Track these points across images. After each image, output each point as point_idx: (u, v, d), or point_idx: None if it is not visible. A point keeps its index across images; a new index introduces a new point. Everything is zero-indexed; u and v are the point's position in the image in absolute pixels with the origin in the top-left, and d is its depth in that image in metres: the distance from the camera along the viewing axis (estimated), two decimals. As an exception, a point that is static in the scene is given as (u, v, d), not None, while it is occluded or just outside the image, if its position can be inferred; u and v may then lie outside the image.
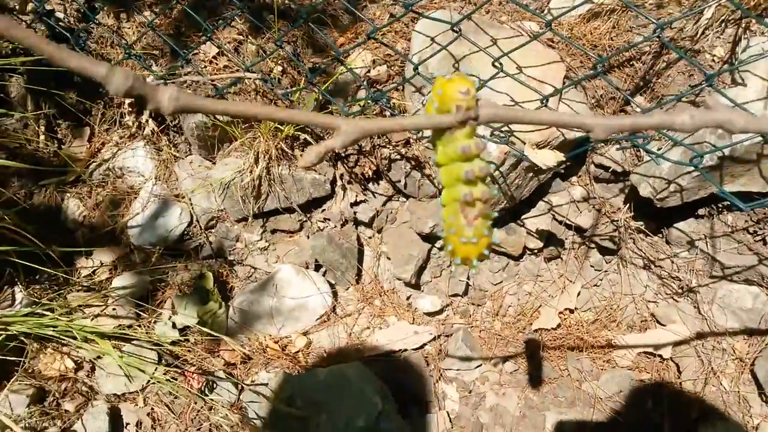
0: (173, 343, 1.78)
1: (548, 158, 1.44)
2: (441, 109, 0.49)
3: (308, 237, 1.91)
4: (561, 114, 0.49)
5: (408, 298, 1.88)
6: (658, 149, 1.59)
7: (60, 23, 1.95)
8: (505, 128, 1.48)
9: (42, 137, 2.00)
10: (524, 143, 1.52)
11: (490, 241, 0.53)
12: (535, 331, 1.77)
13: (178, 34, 1.93)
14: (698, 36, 1.63)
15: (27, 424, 1.60)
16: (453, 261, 0.54)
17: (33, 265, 1.76)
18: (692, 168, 1.45)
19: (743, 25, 1.59)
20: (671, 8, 1.71)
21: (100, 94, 2.03)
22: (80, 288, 1.89)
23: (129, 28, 2.00)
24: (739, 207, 1.37)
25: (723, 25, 1.55)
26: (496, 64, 1.40)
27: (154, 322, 1.81)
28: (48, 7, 1.96)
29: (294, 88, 1.73)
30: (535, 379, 1.71)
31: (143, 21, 1.91)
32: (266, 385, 1.63)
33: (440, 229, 0.56)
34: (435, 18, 1.51)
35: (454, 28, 1.43)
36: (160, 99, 0.41)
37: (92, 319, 1.83)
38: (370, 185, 1.91)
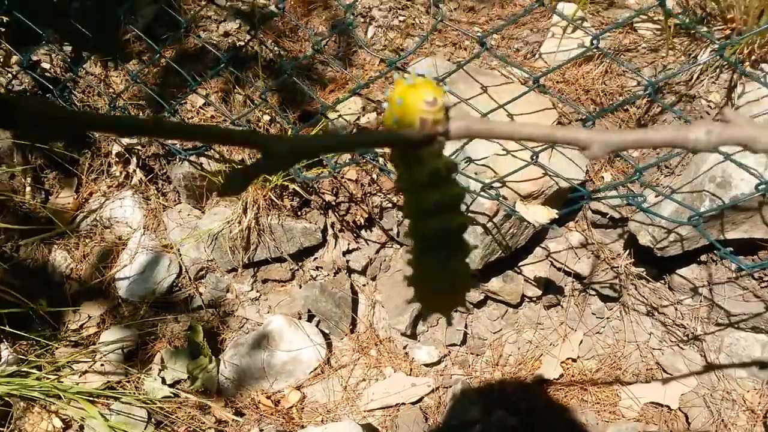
0: (164, 398, 1.73)
1: (540, 215, 1.39)
2: (402, 122, 0.40)
3: (300, 286, 1.86)
4: (550, 128, 0.40)
5: (405, 348, 1.82)
6: (656, 196, 1.54)
7: (46, 74, 1.92)
8: (497, 183, 1.43)
9: (28, 189, 1.97)
10: (518, 194, 1.47)
11: (469, 287, 0.45)
12: (537, 381, 1.71)
13: (165, 83, 1.90)
14: (693, 81, 1.59)
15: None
16: (423, 312, 0.47)
17: (19, 325, 1.73)
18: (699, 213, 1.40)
19: (738, 71, 1.54)
20: (664, 52, 1.67)
21: (88, 144, 1.99)
22: (68, 343, 1.84)
23: (117, 77, 1.97)
24: (741, 267, 1.32)
25: (718, 70, 1.51)
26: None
27: (144, 377, 1.76)
28: (34, 58, 1.94)
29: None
30: (538, 433, 1.65)
31: (131, 69, 1.88)
32: (257, 447, 1.57)
33: (407, 277, 0.47)
34: (418, 74, 1.46)
35: (440, 84, 1.38)
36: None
37: (80, 376, 1.78)
38: (363, 232, 1.87)
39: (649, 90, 1.19)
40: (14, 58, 1.87)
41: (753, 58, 1.50)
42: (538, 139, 0.42)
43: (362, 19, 1.87)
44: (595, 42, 1.22)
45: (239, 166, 0.36)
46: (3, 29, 1.84)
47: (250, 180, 0.37)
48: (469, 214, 1.54)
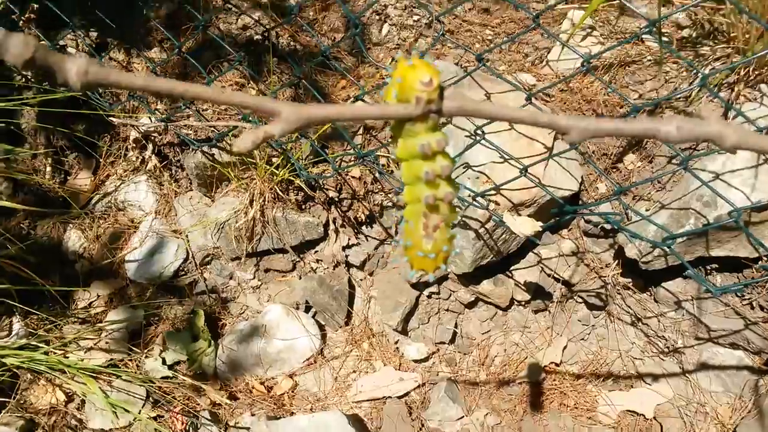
0: (163, 378, 1.81)
1: (525, 227, 1.45)
2: (400, 98, 0.45)
3: (300, 278, 1.93)
4: (533, 112, 0.46)
5: (396, 343, 1.89)
6: (646, 210, 1.59)
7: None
8: (491, 192, 1.49)
9: (48, 169, 2.06)
10: (511, 202, 1.53)
11: (448, 255, 0.51)
12: (520, 383, 1.77)
13: (184, 74, 1.98)
14: (692, 97, 1.64)
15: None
16: (408, 270, 0.53)
17: (32, 301, 1.82)
18: (679, 231, 1.45)
19: (737, 90, 1.59)
20: (669, 66, 1.72)
21: (107, 129, 2.09)
22: (76, 320, 1.93)
23: (138, 63, 2.06)
24: (708, 289, 1.36)
25: (717, 88, 1.56)
26: (478, 131, 1.42)
27: (145, 357, 1.84)
28: (61, 43, 2.03)
29: (286, 140, 1.77)
30: (518, 432, 1.72)
31: (152, 57, 1.96)
32: (248, 429, 1.65)
33: (399, 237, 0.55)
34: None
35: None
36: (68, 72, 0.36)
37: (85, 352, 1.87)
38: (363, 228, 1.94)
39: (634, 114, 1.24)
40: (42, 43, 1.96)
41: (751, 78, 1.55)
42: (523, 121, 0.48)
43: (377, 17, 1.93)
44: (586, 65, 1.28)
45: (250, 128, 0.41)
46: (33, 15, 1.93)
47: (259, 140, 0.41)
48: (463, 219, 1.61)
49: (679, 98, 1.68)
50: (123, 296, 1.95)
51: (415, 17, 1.99)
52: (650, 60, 1.78)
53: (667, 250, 1.50)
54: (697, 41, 1.72)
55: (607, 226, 1.71)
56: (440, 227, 0.49)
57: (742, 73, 1.51)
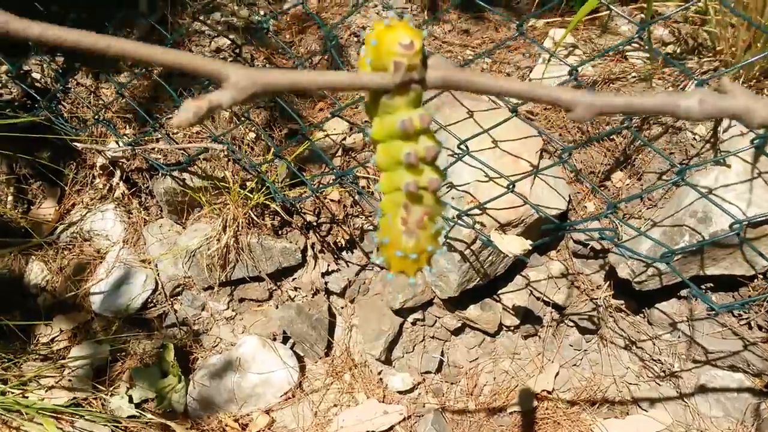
0: (130, 417, 1.69)
1: (514, 246, 1.38)
2: (375, 65, 0.37)
3: (277, 307, 1.83)
4: (532, 85, 0.37)
5: (379, 373, 1.79)
6: (638, 227, 1.53)
7: (36, 84, 1.93)
8: (475, 211, 1.42)
9: (10, 198, 1.96)
10: (497, 222, 1.47)
11: (433, 254, 0.42)
12: (511, 413, 1.68)
13: (155, 98, 1.90)
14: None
15: None
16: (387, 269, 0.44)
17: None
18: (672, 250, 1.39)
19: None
20: (655, 81, 1.68)
21: (73, 156, 1.99)
22: (37, 357, 1.80)
23: (107, 89, 1.98)
24: (712, 307, 1.30)
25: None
26: (462, 146, 1.36)
27: (111, 395, 1.72)
28: (25, 68, 1.94)
29: (261, 161, 1.69)
30: (511, 467, 1.61)
31: (122, 82, 1.89)
32: (221, 471, 1.53)
33: (375, 234, 0.45)
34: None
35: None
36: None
37: (46, 391, 1.74)
38: (344, 253, 1.85)
39: (626, 124, 1.19)
40: (3, 68, 1.88)
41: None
42: (519, 95, 0.40)
43: (355, 39, 1.89)
44: (573, 73, 1.23)
45: (193, 98, 0.32)
46: (-6, 38, 1.85)
47: (203, 111, 0.34)
48: (447, 241, 1.53)
49: (667, 113, 1.64)
50: (87, 331, 1.83)
51: (394, 38, 1.94)
52: (635, 77, 1.75)
53: (663, 267, 1.44)
54: (682, 57, 1.69)
55: (598, 246, 1.64)
56: (424, 222, 0.40)
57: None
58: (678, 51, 1.71)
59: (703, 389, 1.57)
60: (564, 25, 1.82)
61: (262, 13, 1.96)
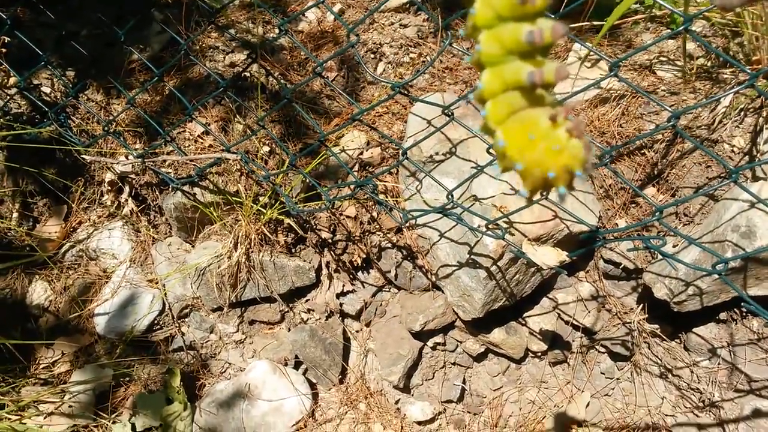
0: (132, 447, 1.59)
1: (549, 257, 1.29)
2: None
3: (289, 329, 1.74)
4: None
5: (397, 402, 1.69)
6: (674, 246, 1.44)
7: (46, 97, 1.88)
8: (504, 221, 1.34)
9: (15, 215, 1.89)
10: (525, 236, 1.38)
11: (586, 158, 0.34)
12: (539, 446, 1.57)
13: (167, 111, 1.85)
14: (715, 125, 1.52)
15: None
16: (522, 187, 0.36)
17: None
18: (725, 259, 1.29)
19: (764, 115, 1.48)
20: (685, 95, 1.61)
21: (80, 172, 1.93)
22: (36, 381, 1.71)
23: (118, 104, 1.93)
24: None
25: (742, 113, 1.44)
26: (491, 151, 1.28)
27: (113, 422, 1.62)
28: (36, 81, 1.90)
29: (276, 171, 1.62)
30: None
31: (133, 95, 1.84)
32: (228, 504, 1.42)
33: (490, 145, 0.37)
34: (428, 101, 1.41)
35: (446, 112, 1.32)
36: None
37: (45, 417, 1.64)
38: (360, 274, 1.77)
39: (673, 121, 1.11)
40: (12, 80, 1.83)
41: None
42: None
43: (372, 55, 1.84)
44: (614, 69, 1.15)
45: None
46: (4, 50, 1.81)
47: None
48: (472, 258, 1.45)
49: (701, 126, 1.56)
50: (90, 354, 1.74)
51: (411, 54, 1.90)
52: (665, 90, 1.68)
53: (705, 286, 1.34)
54: (713, 70, 1.62)
55: (630, 266, 1.55)
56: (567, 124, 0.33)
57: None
58: (709, 64, 1.65)
59: (747, 420, 1.45)
60: (589, 39, 1.76)
61: (276, 31, 1.92)
